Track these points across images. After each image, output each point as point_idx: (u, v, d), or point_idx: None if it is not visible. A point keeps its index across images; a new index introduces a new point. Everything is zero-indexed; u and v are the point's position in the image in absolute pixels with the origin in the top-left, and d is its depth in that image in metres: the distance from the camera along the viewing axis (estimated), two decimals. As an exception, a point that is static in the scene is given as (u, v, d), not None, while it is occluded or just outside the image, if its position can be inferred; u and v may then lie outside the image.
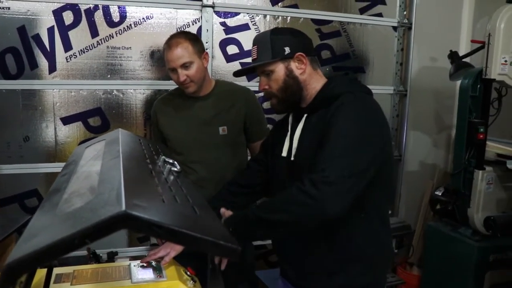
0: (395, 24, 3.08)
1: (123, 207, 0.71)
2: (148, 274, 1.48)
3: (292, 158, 1.51)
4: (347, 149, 1.29)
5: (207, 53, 2.09)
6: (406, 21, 3.10)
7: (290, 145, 1.53)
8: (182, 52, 1.96)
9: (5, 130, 2.40)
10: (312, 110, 1.49)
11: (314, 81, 1.51)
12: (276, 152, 1.59)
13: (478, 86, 2.66)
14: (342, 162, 1.27)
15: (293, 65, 1.48)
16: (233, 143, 2.14)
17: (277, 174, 1.60)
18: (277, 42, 1.47)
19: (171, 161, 1.30)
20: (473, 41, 2.87)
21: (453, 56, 2.90)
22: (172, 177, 1.15)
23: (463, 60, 2.88)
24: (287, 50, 1.46)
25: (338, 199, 1.23)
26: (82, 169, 1.19)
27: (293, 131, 1.54)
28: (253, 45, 1.53)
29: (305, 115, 1.50)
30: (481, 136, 2.58)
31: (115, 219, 0.70)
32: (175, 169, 1.22)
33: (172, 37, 2.04)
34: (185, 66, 1.97)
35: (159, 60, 2.59)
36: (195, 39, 2.05)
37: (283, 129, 1.60)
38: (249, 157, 2.33)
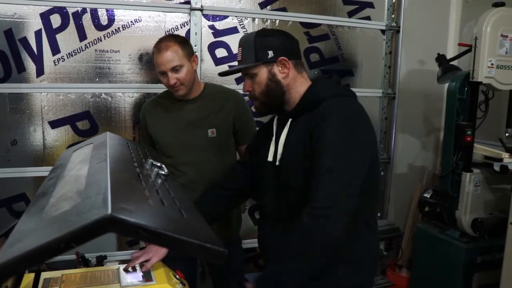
0: (383, 27, 3.11)
1: (109, 211, 0.71)
2: (137, 277, 1.48)
3: (277, 163, 1.51)
4: (339, 173, 1.31)
5: (196, 56, 2.10)
6: (394, 24, 3.13)
7: (275, 150, 1.53)
8: (172, 56, 1.97)
9: (-8, 134, 2.37)
10: (296, 114, 1.49)
11: (298, 85, 1.51)
12: (261, 156, 1.59)
13: (466, 89, 2.69)
14: (335, 189, 1.30)
15: (276, 69, 1.47)
16: (222, 146, 2.15)
17: (262, 177, 1.60)
18: (260, 46, 1.46)
19: (159, 164, 1.30)
20: (460, 44, 2.90)
21: (441, 59, 2.93)
22: (159, 180, 1.15)
23: (450, 63, 2.91)
24: (270, 54, 1.45)
25: (339, 226, 1.28)
26: (70, 173, 1.18)
27: (278, 135, 1.53)
28: (239, 46, 1.53)
29: (290, 120, 1.50)
30: (468, 138, 2.60)
31: (101, 222, 0.70)
32: (163, 172, 1.22)
33: (162, 40, 2.04)
34: (175, 69, 1.98)
35: (148, 64, 2.59)
36: (184, 42, 2.05)
37: (268, 133, 1.60)
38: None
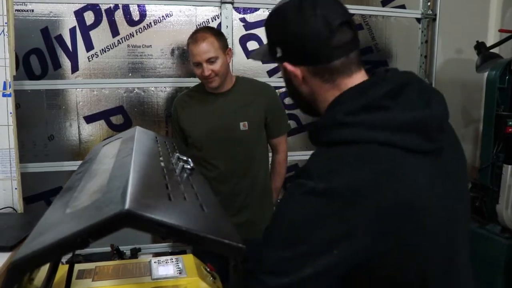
0: (419, 16, 3.00)
1: (126, 206, 0.71)
2: (168, 270, 1.50)
3: None
4: None
5: (230, 49, 2.12)
6: (430, 12, 3.01)
7: None
8: (208, 47, 1.98)
9: (30, 130, 2.45)
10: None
11: (324, 99, 0.98)
12: None
13: (507, 77, 2.59)
14: None
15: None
16: (254, 139, 2.15)
17: None
18: (271, 38, 1.04)
19: (185, 158, 1.30)
20: (501, 31, 2.79)
21: (480, 47, 2.82)
22: (184, 175, 1.15)
23: (490, 51, 2.80)
24: (279, 52, 1.01)
25: None
26: (96, 168, 1.20)
27: None
28: None
29: None
30: (510, 129, 2.50)
31: (118, 218, 0.70)
32: (188, 166, 1.21)
33: (198, 31, 2.06)
34: (211, 61, 1.99)
35: (179, 58, 2.61)
36: (219, 35, 2.08)
37: None
38: (270, 153, 2.34)
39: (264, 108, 2.15)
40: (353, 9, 2.83)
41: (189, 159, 1.27)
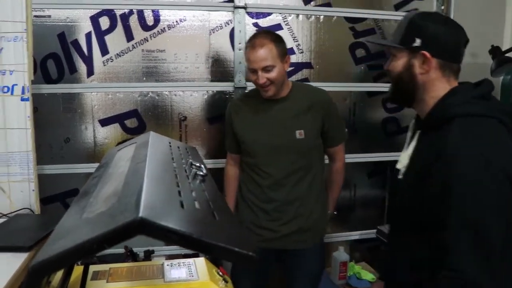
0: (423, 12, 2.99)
1: (140, 214, 0.73)
2: (181, 273, 1.52)
3: (400, 176, 1.39)
4: (477, 239, 1.08)
5: (289, 57, 2.04)
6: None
7: (404, 160, 1.39)
8: (266, 55, 1.92)
9: (47, 132, 2.49)
10: (425, 128, 1.33)
11: (436, 89, 1.29)
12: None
13: (522, 82, 2.57)
14: (476, 259, 1.08)
15: (416, 61, 1.29)
16: (310, 147, 2.09)
17: (392, 187, 1.54)
18: (412, 28, 1.28)
19: (198, 164, 1.32)
20: (516, 35, 2.75)
21: (495, 51, 2.79)
22: (197, 181, 1.17)
23: (505, 55, 2.77)
24: (418, 42, 1.27)
25: None
26: (111, 173, 1.23)
27: (408, 145, 1.40)
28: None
29: (419, 132, 1.35)
30: (524, 134, 2.48)
31: (132, 225, 0.72)
32: (201, 173, 1.23)
33: (257, 36, 1.99)
34: (267, 69, 1.93)
35: (193, 62, 2.63)
36: (279, 41, 1.99)
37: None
38: (326, 161, 2.29)
39: (321, 116, 2.07)
40: (366, 13, 2.84)
41: (202, 166, 1.29)
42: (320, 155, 2.18)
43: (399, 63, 1.32)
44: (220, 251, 0.77)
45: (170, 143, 1.55)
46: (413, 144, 1.36)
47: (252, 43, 1.95)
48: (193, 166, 1.27)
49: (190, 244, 0.76)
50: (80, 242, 0.73)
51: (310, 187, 2.12)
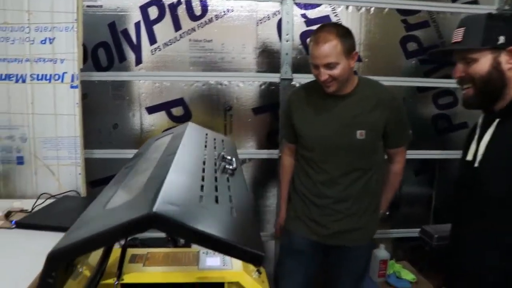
0: (494, 11, 2.82)
1: (155, 209, 0.74)
2: (215, 262, 1.56)
3: (476, 164, 1.39)
4: None
5: (356, 53, 1.91)
6: (508, 7, 2.82)
7: (476, 150, 1.41)
8: (329, 51, 1.81)
9: (97, 118, 2.59)
10: (506, 115, 1.36)
11: None
12: (463, 155, 1.48)
13: None
14: None
15: (504, 58, 1.33)
16: (370, 148, 2.02)
17: (461, 178, 1.51)
18: (492, 28, 1.33)
19: (229, 157, 1.32)
20: None
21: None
22: (225, 176, 1.17)
23: None
24: (502, 39, 1.32)
25: None
26: (142, 163, 1.26)
27: (481, 134, 1.41)
28: (460, 26, 1.40)
29: (498, 120, 1.37)
30: None
31: (145, 219, 0.74)
32: (231, 167, 1.23)
33: (322, 29, 1.88)
34: (330, 66, 1.83)
35: (240, 53, 2.64)
36: (346, 36, 1.86)
37: (473, 132, 1.48)
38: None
39: (385, 117, 1.96)
40: (420, 5, 2.73)
41: (233, 159, 1.29)
42: (380, 156, 2.09)
43: (484, 65, 1.34)
44: (230, 249, 0.77)
45: (207, 134, 1.56)
46: (489, 132, 1.37)
47: (316, 38, 1.84)
48: (225, 160, 1.28)
49: (201, 240, 0.76)
50: (94, 233, 0.75)
51: (366, 186, 2.05)
